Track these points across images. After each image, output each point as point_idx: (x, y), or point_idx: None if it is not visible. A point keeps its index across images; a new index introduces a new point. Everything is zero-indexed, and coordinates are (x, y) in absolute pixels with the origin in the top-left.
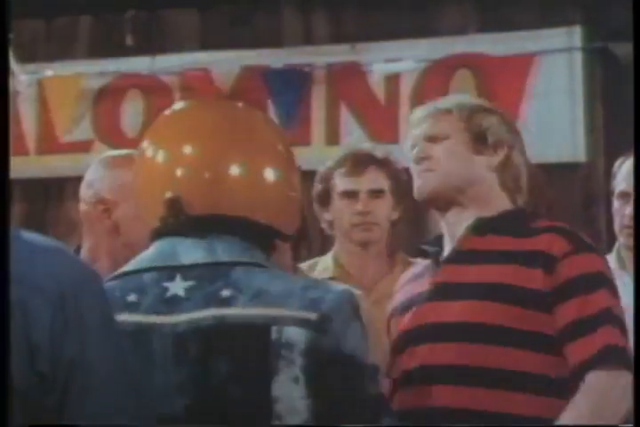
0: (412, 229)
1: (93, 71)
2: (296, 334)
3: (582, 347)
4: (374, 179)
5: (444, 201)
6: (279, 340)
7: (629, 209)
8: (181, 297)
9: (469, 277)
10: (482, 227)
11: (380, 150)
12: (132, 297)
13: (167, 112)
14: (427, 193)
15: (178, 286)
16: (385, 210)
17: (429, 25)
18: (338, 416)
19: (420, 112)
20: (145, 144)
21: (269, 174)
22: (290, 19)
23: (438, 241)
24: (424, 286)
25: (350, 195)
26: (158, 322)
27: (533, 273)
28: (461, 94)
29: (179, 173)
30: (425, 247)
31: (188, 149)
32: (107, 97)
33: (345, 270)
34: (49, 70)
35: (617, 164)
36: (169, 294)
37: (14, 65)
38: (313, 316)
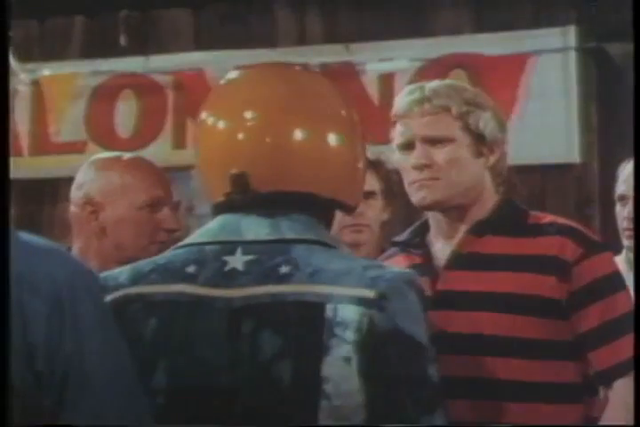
0: (402, 229)
1: (87, 71)
2: (351, 312)
3: (609, 353)
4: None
5: (446, 207)
6: (334, 318)
7: (627, 211)
8: (240, 271)
9: (477, 285)
10: (480, 227)
11: (371, 151)
12: (191, 268)
13: (223, 82)
14: (430, 204)
15: (237, 261)
16: (375, 211)
17: (423, 25)
18: (393, 399)
19: (411, 99)
20: (204, 116)
21: (333, 141)
22: (283, 18)
23: (418, 234)
24: None
25: None
26: (214, 295)
27: (547, 281)
28: (453, 81)
29: (242, 145)
30: (402, 240)
31: (250, 119)
32: (100, 97)
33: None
34: (42, 70)
35: (621, 167)
36: (228, 267)
37: (14, 63)
38: (370, 294)
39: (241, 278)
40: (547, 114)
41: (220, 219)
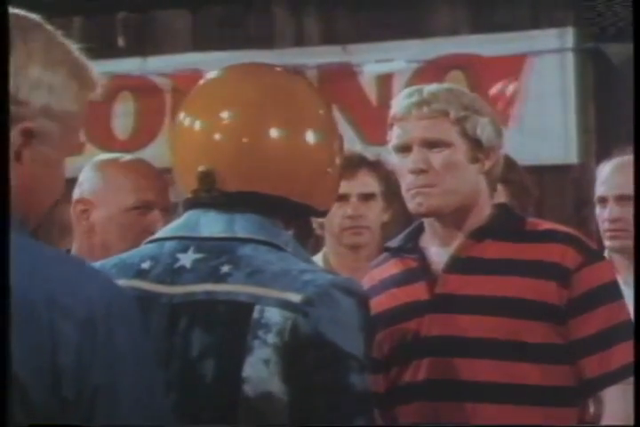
0: (402, 231)
1: None
2: (276, 315)
3: (601, 361)
4: (365, 182)
5: (442, 214)
6: (259, 320)
7: (607, 213)
8: (186, 269)
9: (476, 289)
10: (479, 233)
11: (370, 153)
12: (146, 264)
13: (202, 82)
14: (427, 212)
15: (187, 258)
16: (375, 213)
17: (421, 26)
18: (312, 404)
19: (409, 102)
20: (181, 115)
21: (308, 142)
22: (281, 20)
23: (411, 238)
24: (419, 294)
25: (340, 198)
26: (159, 291)
27: (547, 286)
28: (451, 86)
29: (213, 143)
30: (396, 245)
31: (223, 118)
32: (97, 98)
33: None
34: None
35: (599, 168)
36: (177, 264)
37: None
38: (297, 298)
39: (186, 276)
40: (544, 115)
41: (186, 215)
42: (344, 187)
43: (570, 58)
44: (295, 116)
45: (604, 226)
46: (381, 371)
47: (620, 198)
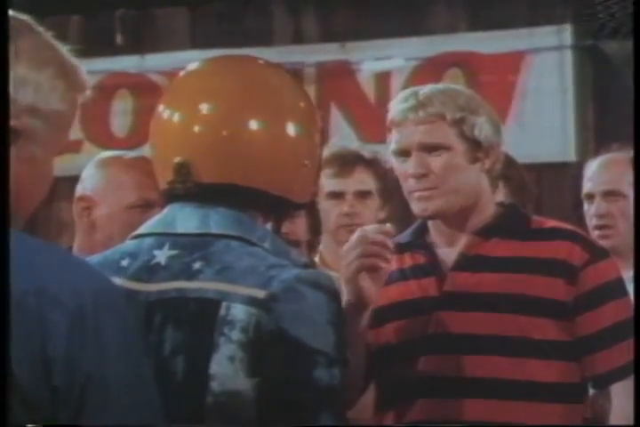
0: (398, 229)
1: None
2: (241, 312)
3: (607, 358)
4: (361, 180)
5: (447, 215)
6: (225, 317)
7: (594, 209)
8: (162, 266)
9: (484, 287)
10: (486, 230)
11: (367, 150)
12: (124, 261)
13: (181, 74)
14: (431, 215)
15: (163, 255)
16: (372, 211)
17: (419, 23)
18: (279, 400)
19: (405, 106)
20: (160, 108)
21: (287, 135)
22: (280, 17)
23: (420, 235)
24: (426, 290)
25: (337, 196)
26: (136, 289)
27: (555, 283)
28: (447, 86)
29: (191, 135)
30: (405, 241)
31: (201, 109)
32: (96, 96)
33: (331, 269)
34: None
35: (586, 165)
36: (154, 261)
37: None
38: (261, 294)
39: (161, 273)
40: (543, 112)
41: (165, 209)
42: (340, 184)
43: (568, 55)
44: (274, 109)
45: (591, 222)
46: (386, 365)
47: (607, 194)
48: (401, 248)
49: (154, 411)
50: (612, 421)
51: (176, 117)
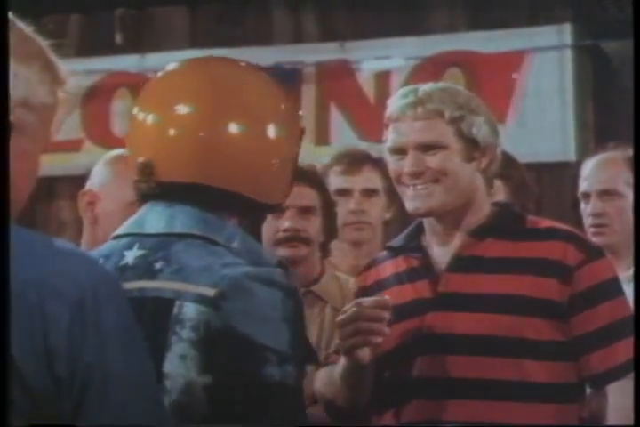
0: (404, 229)
1: (82, 70)
2: (192, 311)
3: (603, 358)
4: (369, 178)
5: (441, 213)
6: (177, 315)
7: (590, 208)
8: (129, 266)
9: (478, 287)
10: (480, 231)
11: (375, 150)
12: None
13: (157, 75)
14: (425, 213)
15: (132, 255)
16: (378, 210)
17: (419, 22)
18: (230, 398)
19: (404, 102)
20: (135, 110)
21: (263, 134)
22: (279, 17)
23: (414, 237)
24: (420, 292)
25: (344, 193)
26: None
27: (548, 283)
28: (447, 85)
29: (157, 135)
30: (398, 244)
31: (173, 111)
32: (96, 96)
33: (336, 267)
34: None
35: (583, 164)
36: (122, 262)
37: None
38: (211, 292)
39: (128, 273)
40: (543, 112)
41: (140, 210)
42: (348, 182)
43: (568, 55)
44: (248, 110)
45: (587, 221)
46: (385, 368)
47: (603, 193)
48: (395, 252)
49: (155, 401)
50: (609, 420)
51: (146, 118)
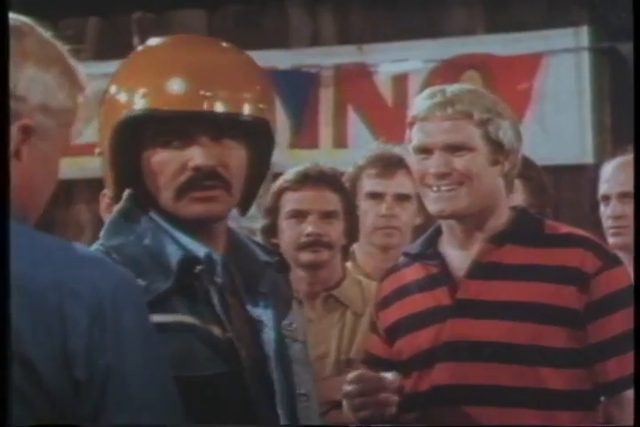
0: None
1: (100, 73)
2: None
3: (618, 365)
4: (402, 183)
5: (463, 216)
6: None
7: (610, 210)
8: None
9: (497, 294)
10: (499, 237)
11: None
12: None
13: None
14: (449, 215)
15: None
16: (409, 215)
17: (436, 25)
18: None
19: (433, 102)
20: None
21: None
22: (297, 20)
23: (431, 244)
24: (441, 300)
25: (375, 197)
26: None
27: (566, 291)
28: (474, 87)
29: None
30: (416, 251)
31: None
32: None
33: (362, 269)
34: None
35: (603, 167)
36: None
37: None
38: None
39: None
40: (560, 114)
41: None
42: (381, 185)
43: (585, 57)
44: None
45: (607, 223)
46: (405, 375)
47: (623, 196)
48: (412, 258)
49: (173, 402)
50: None
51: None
